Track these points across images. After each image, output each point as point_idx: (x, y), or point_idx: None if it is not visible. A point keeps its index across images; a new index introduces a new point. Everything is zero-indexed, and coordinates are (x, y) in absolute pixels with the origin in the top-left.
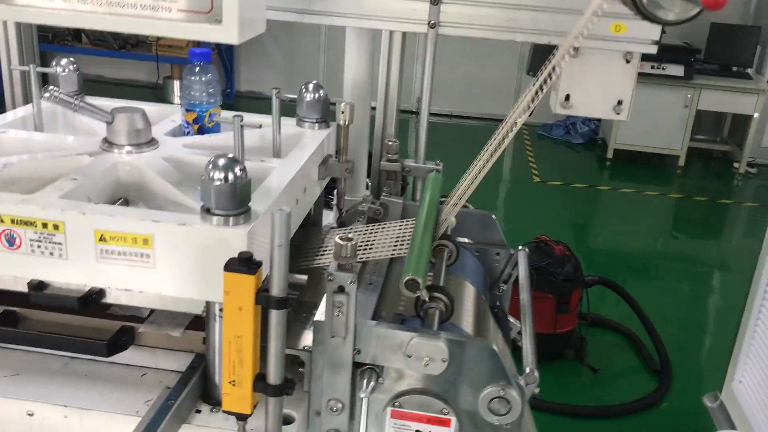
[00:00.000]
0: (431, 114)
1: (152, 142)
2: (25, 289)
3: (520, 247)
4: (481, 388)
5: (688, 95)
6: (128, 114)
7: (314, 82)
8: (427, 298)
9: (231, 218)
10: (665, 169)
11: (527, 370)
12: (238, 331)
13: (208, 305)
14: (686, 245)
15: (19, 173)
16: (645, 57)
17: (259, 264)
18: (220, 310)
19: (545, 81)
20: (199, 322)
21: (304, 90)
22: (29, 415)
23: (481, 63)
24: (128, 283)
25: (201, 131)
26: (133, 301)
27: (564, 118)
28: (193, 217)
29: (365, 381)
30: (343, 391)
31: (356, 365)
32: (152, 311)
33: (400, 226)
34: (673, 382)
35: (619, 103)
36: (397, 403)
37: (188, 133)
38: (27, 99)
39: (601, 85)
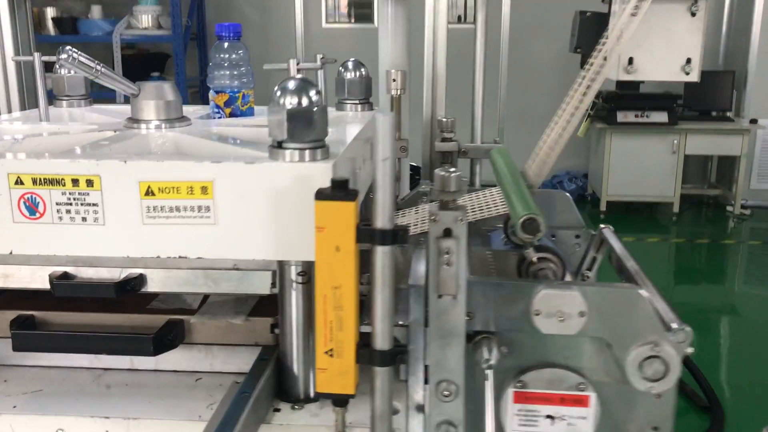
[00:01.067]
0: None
1: (184, 120)
2: (45, 286)
3: (602, 226)
4: (628, 348)
5: (675, 141)
6: (156, 84)
7: (353, 59)
8: (534, 259)
9: (307, 152)
10: (660, 217)
11: (674, 326)
12: (336, 279)
13: (281, 271)
14: (698, 287)
15: (32, 149)
16: (628, 106)
17: (356, 192)
18: (299, 274)
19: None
20: (262, 308)
21: (342, 69)
22: None
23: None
24: (183, 249)
25: (234, 116)
26: (178, 285)
27: (550, 177)
28: (262, 155)
29: (485, 349)
30: (455, 369)
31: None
32: (204, 299)
33: (482, 195)
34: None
35: (688, 61)
36: (519, 383)
37: (219, 118)
38: (24, 100)
39: (667, 43)
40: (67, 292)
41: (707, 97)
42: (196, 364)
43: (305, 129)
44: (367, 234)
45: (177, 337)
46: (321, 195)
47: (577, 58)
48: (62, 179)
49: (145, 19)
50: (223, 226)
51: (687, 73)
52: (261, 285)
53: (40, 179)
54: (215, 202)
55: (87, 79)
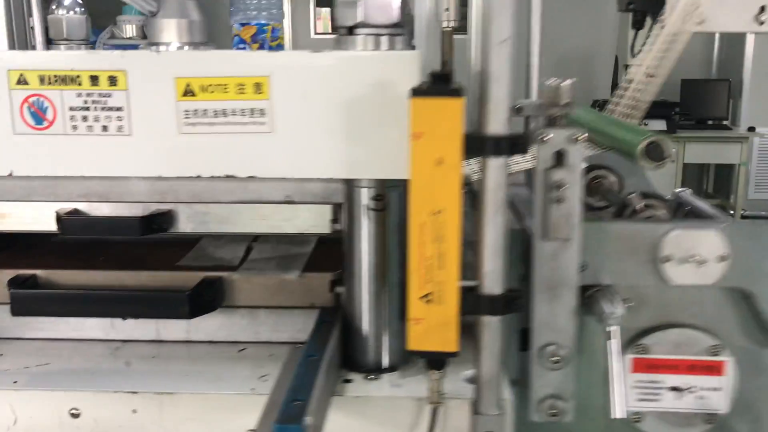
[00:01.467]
0: None
1: (209, 44)
2: (50, 228)
3: (679, 189)
4: None
5: (674, 149)
6: (179, 0)
7: None
8: (640, 206)
9: (385, 38)
10: None
11: None
12: (437, 202)
13: (350, 199)
14: None
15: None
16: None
17: (463, 88)
18: (374, 198)
19: None
20: (321, 261)
21: None
22: (73, 415)
23: None
24: (230, 166)
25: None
26: (217, 223)
27: None
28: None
29: (605, 302)
30: (566, 329)
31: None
32: (245, 256)
33: None
34: None
35: (762, 10)
36: (640, 346)
37: None
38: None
39: None
40: (78, 230)
41: (703, 106)
42: (238, 332)
43: (385, 7)
44: (477, 142)
45: (216, 298)
46: (419, 92)
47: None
48: (77, 77)
49: (129, 29)
50: (281, 134)
51: (761, 23)
52: (319, 221)
53: (49, 77)
54: (272, 103)
55: (88, 21)
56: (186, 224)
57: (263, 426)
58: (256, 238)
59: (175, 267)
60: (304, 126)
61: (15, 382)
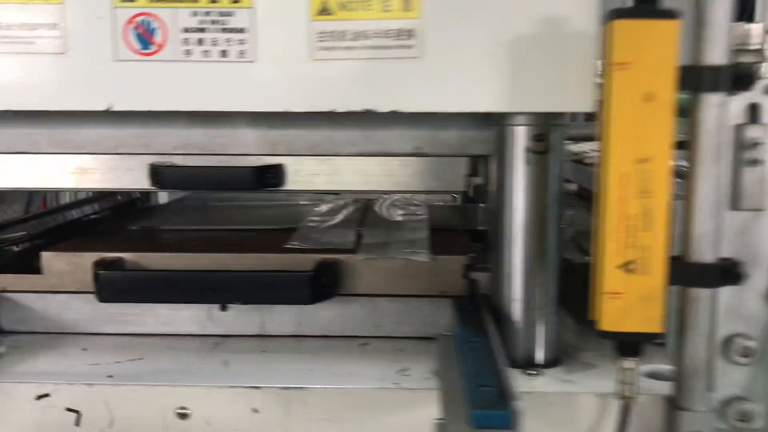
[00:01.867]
0: None
1: None
2: (140, 185)
3: None
4: None
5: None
6: None
7: None
8: None
9: None
10: None
11: None
12: (645, 147)
13: (501, 141)
14: None
15: None
16: None
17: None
18: (535, 138)
19: None
20: (443, 246)
21: None
22: (181, 415)
23: None
24: (370, 98)
25: None
26: (331, 177)
27: None
28: None
29: None
30: (756, 318)
31: None
32: (358, 238)
33: None
34: None
35: None
36: None
37: None
38: None
39: None
40: (178, 183)
41: None
42: (357, 325)
43: None
44: (692, 75)
45: (334, 284)
46: (625, 12)
47: None
48: None
49: None
50: (432, 61)
51: None
52: (452, 177)
53: None
54: (423, 23)
55: None
56: (300, 180)
57: (451, 416)
58: (362, 222)
59: (282, 249)
60: (460, 51)
61: (110, 376)
